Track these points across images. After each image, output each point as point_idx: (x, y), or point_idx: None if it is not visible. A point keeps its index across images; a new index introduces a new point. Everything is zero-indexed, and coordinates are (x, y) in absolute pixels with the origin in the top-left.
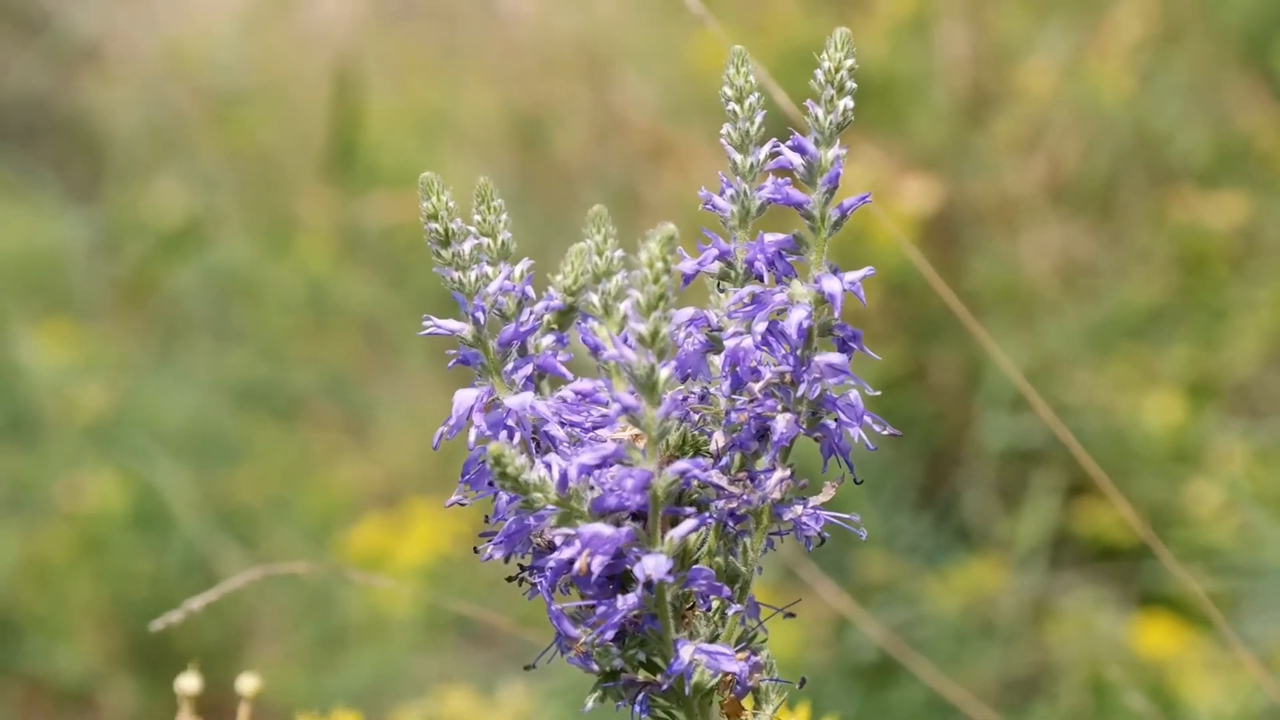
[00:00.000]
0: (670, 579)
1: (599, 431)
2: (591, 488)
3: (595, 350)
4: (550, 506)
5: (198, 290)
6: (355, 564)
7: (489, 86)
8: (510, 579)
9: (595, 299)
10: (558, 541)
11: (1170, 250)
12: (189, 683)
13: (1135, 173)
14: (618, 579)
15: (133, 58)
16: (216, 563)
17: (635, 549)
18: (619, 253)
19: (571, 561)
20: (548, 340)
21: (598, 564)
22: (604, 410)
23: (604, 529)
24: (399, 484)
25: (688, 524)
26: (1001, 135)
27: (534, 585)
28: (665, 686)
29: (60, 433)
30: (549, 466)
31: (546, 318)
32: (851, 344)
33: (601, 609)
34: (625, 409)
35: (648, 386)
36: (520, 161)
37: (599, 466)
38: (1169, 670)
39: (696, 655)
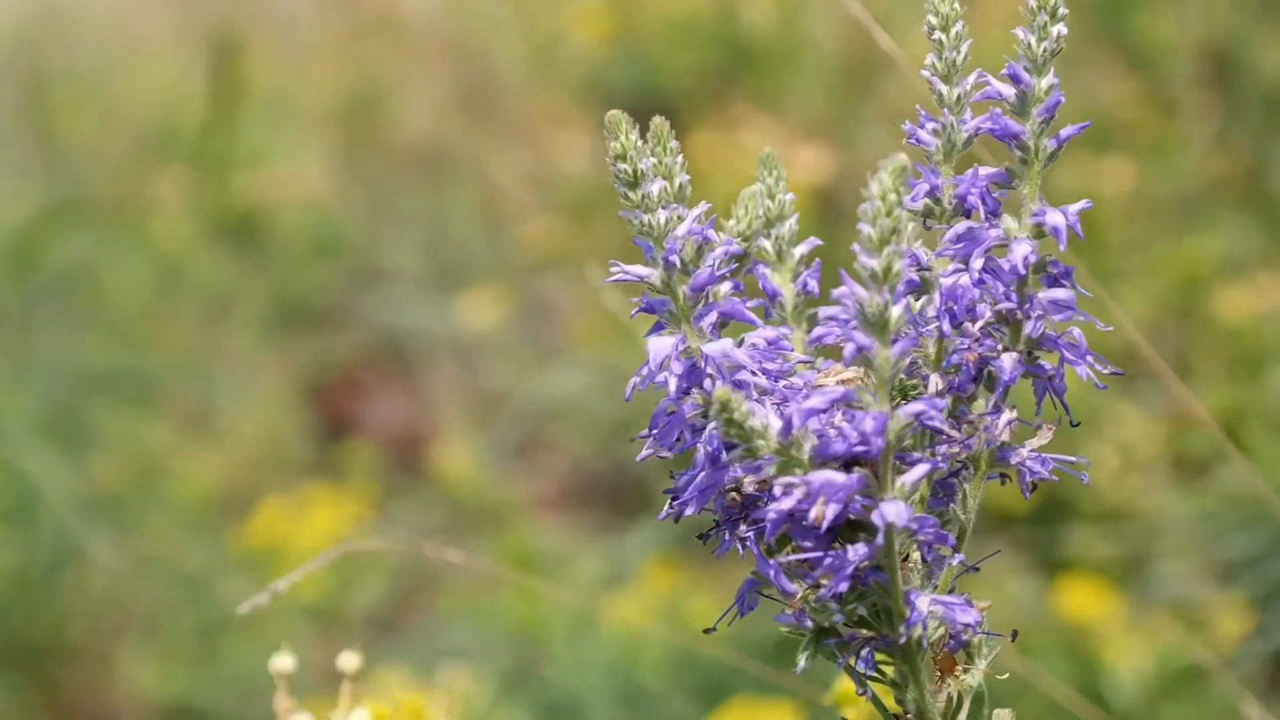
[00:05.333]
0: (914, 525)
1: (793, 379)
2: (806, 435)
3: (773, 296)
4: (769, 455)
5: (49, 280)
6: (252, 552)
7: (335, 65)
8: (701, 536)
9: (768, 245)
10: (777, 492)
11: None
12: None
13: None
14: (833, 531)
15: None
16: (89, 554)
17: (861, 497)
18: (790, 196)
19: (791, 513)
20: (725, 287)
21: (831, 512)
22: (791, 357)
23: (836, 476)
24: (253, 466)
25: (920, 468)
26: (888, 103)
27: (723, 541)
28: (904, 640)
29: None
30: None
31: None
32: (1063, 281)
33: (830, 561)
34: (860, 349)
35: (879, 325)
36: (365, 140)
37: (824, 411)
38: (1090, 634)
39: (933, 606)
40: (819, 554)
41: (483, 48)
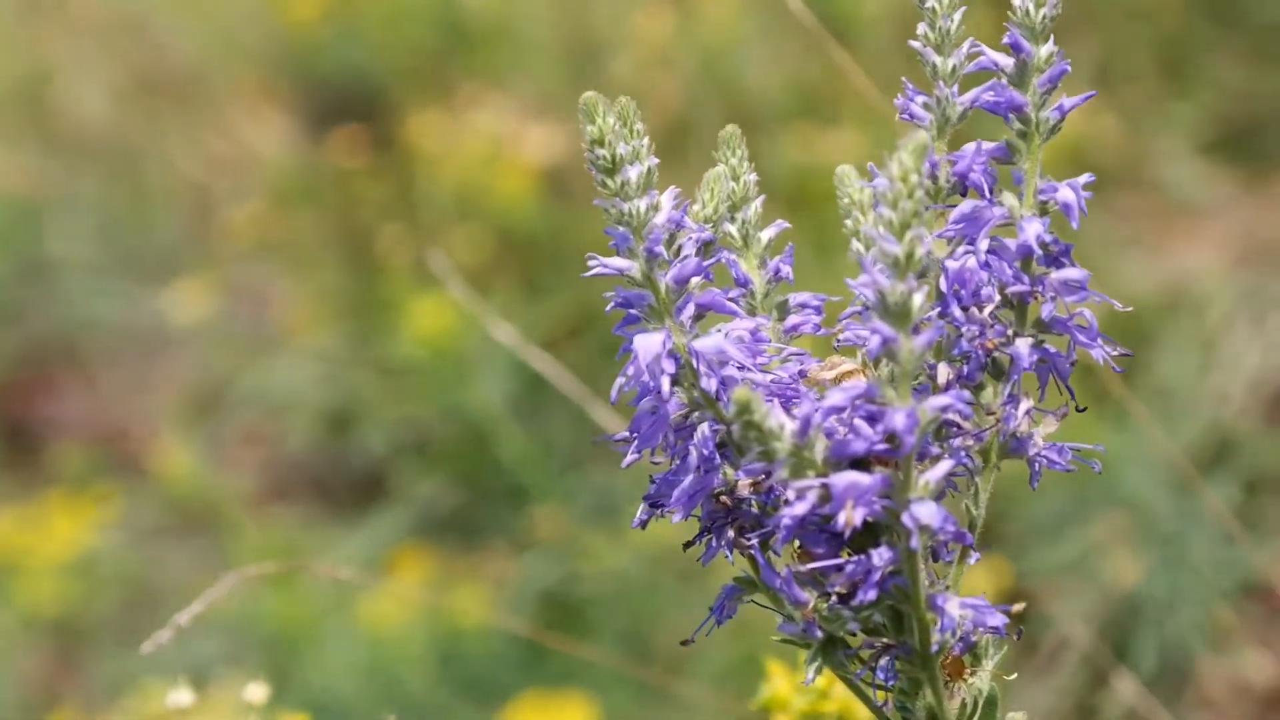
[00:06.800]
0: (949, 526)
1: (778, 372)
2: (818, 435)
3: (744, 284)
4: (783, 457)
5: None
6: None
7: (4, 48)
8: (687, 544)
9: (733, 229)
10: (790, 496)
11: (784, 190)
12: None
13: (722, 115)
14: (842, 535)
15: None
16: None
17: (880, 498)
18: (753, 176)
19: (804, 518)
20: (696, 277)
21: (859, 516)
22: (771, 349)
23: (861, 478)
24: None
25: (944, 465)
26: (615, 80)
27: (709, 548)
28: (936, 647)
29: None
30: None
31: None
32: (1063, 259)
33: (852, 568)
34: (885, 341)
35: (901, 315)
36: (41, 127)
37: (843, 409)
38: None
39: (962, 610)
40: (839, 561)
41: (168, 28)
